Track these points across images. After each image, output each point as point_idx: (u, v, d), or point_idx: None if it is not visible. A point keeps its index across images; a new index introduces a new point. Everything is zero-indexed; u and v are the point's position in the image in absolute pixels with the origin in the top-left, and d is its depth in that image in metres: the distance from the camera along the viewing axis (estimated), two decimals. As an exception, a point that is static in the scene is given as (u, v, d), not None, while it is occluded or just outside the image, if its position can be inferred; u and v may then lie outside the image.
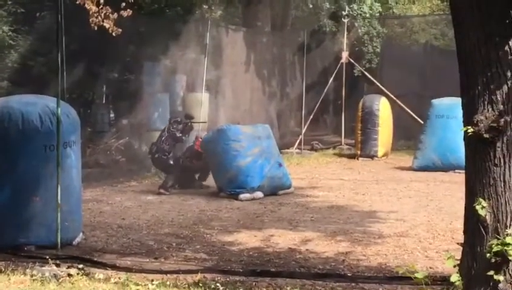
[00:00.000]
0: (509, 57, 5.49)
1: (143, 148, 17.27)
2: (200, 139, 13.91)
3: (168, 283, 6.91)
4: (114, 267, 7.54)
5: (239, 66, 21.72)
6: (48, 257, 7.57)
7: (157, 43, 17.94)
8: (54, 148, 8.19)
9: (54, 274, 7.07)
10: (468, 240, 5.73)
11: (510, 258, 5.40)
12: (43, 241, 8.26)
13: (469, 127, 5.60)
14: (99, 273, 7.23)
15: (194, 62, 19.17)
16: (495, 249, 5.41)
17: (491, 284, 5.43)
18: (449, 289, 5.78)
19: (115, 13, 10.11)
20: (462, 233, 5.88)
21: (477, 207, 5.54)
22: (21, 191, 8.28)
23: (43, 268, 7.25)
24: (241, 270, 7.44)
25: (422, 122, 18.07)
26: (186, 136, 14.03)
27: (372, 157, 19.04)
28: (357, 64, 23.03)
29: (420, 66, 24.10)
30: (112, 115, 18.62)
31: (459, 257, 5.82)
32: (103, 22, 9.89)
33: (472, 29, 5.61)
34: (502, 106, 5.49)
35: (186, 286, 6.82)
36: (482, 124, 5.53)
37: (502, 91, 5.50)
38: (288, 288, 6.75)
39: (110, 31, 10.10)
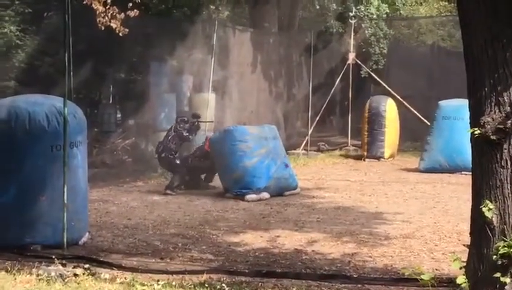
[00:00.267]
0: (517, 59, 5.48)
1: (149, 148, 17.27)
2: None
3: (173, 283, 6.91)
4: (120, 267, 7.54)
5: (246, 66, 21.71)
6: (54, 257, 7.57)
7: (164, 44, 17.95)
8: (61, 148, 8.20)
9: (60, 274, 7.08)
10: (475, 242, 5.72)
11: (517, 260, 5.39)
12: (49, 241, 8.27)
13: (476, 129, 5.59)
14: (105, 273, 7.23)
15: (201, 63, 19.18)
16: (501, 251, 5.40)
17: (498, 286, 5.42)
18: (455, 291, 5.78)
19: (122, 13, 10.13)
20: (469, 235, 5.86)
21: (484, 209, 5.53)
22: (27, 190, 8.29)
23: (49, 268, 7.25)
24: (247, 271, 7.44)
25: (428, 124, 18.04)
26: (193, 135, 14.02)
27: (378, 158, 19.03)
28: (363, 66, 22.99)
29: (427, 67, 24.08)
30: (118, 115, 18.61)
31: (465, 259, 5.81)
32: (110, 22, 9.91)
33: (479, 30, 5.60)
34: (509, 108, 5.48)
35: (192, 286, 6.82)
36: (488, 126, 5.51)
37: (509, 93, 5.49)
38: (294, 289, 6.75)
39: (117, 31, 10.12)
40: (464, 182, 12.29)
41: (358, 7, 23.53)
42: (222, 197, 12.62)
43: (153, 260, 7.98)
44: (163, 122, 17.43)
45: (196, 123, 14.09)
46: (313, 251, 8.51)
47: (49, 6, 15.48)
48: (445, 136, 16.31)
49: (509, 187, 5.49)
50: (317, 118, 21.72)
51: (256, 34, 22.34)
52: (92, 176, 11.53)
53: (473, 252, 5.72)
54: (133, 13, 10.57)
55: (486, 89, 5.56)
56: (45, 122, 8.30)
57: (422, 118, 20.16)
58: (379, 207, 11.72)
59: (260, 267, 7.70)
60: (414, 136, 21.38)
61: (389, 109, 19.31)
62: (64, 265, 7.36)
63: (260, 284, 7.01)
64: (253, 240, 9.11)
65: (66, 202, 8.07)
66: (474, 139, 5.67)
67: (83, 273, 7.17)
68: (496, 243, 5.48)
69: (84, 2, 9.93)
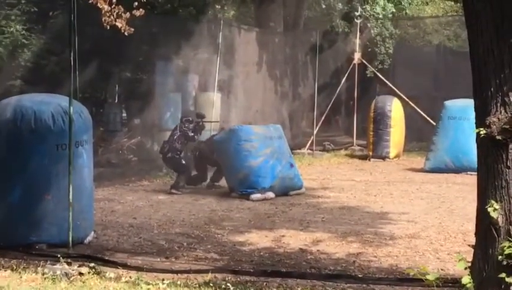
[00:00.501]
0: (523, 59, 5.47)
1: (155, 147, 17.31)
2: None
3: (178, 282, 6.92)
4: (125, 266, 7.55)
5: (251, 66, 21.75)
6: (59, 256, 7.58)
7: (169, 43, 17.96)
8: (66, 147, 8.21)
9: (65, 273, 7.10)
10: (480, 242, 5.71)
11: (522, 260, 5.38)
12: (55, 239, 8.29)
13: (481, 129, 5.58)
14: (110, 272, 7.25)
15: (207, 62, 19.21)
16: (507, 251, 5.39)
17: (503, 286, 5.41)
18: (460, 291, 5.77)
19: (128, 12, 10.14)
20: (474, 235, 5.85)
21: (489, 209, 5.52)
22: (33, 189, 8.31)
23: (55, 267, 7.27)
24: (251, 271, 7.45)
25: (434, 124, 18.02)
26: (198, 135, 14.03)
27: (384, 158, 19.02)
28: (369, 65, 22.99)
29: (433, 67, 24.10)
30: (124, 115, 18.63)
31: (470, 259, 5.80)
32: (115, 21, 9.91)
33: (485, 30, 5.59)
34: (515, 108, 5.47)
35: (197, 285, 6.83)
36: (494, 126, 5.51)
37: (515, 93, 5.48)
38: (298, 289, 6.76)
39: (123, 31, 10.13)
40: (469, 182, 12.29)
41: (364, 7, 23.51)
42: (227, 197, 12.63)
43: (158, 259, 7.99)
44: (168, 121, 17.47)
45: (201, 123, 14.10)
46: (318, 250, 8.51)
47: (55, 5, 15.48)
48: (450, 136, 16.30)
49: (514, 187, 5.49)
50: (323, 118, 21.73)
51: (261, 33, 22.36)
52: (98, 175, 11.56)
53: (478, 252, 5.71)
54: (139, 12, 10.58)
55: (492, 89, 5.55)
56: (51, 121, 8.32)
57: (428, 118, 20.16)
58: (384, 207, 11.71)
59: (265, 266, 7.70)
60: (420, 136, 21.38)
61: (395, 109, 19.30)
62: (69, 264, 7.37)
63: (265, 283, 7.01)
64: (258, 239, 9.12)
65: (71, 201, 8.07)
66: (479, 140, 5.66)
67: (88, 272, 7.19)
68: (501, 244, 5.47)
69: (90, 1, 9.94)
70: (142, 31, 13.68)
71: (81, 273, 7.13)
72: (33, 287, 6.76)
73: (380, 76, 22.40)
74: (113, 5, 9.84)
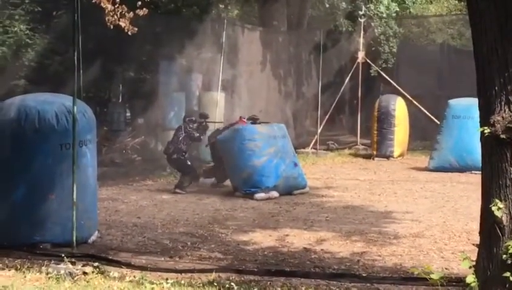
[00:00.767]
0: (527, 58, 5.47)
1: (159, 147, 17.33)
2: (244, 119, 14.04)
3: (182, 281, 6.92)
4: (129, 265, 7.56)
5: (255, 65, 21.74)
6: (63, 255, 7.58)
7: (173, 42, 17.96)
8: (70, 146, 8.21)
9: (69, 272, 7.10)
10: (484, 241, 5.71)
11: (526, 260, 5.38)
12: (59, 239, 8.29)
13: (486, 128, 5.57)
14: (114, 272, 7.25)
15: (210, 61, 19.21)
16: (511, 250, 5.39)
17: (507, 285, 5.40)
18: (465, 290, 5.77)
19: (131, 12, 10.15)
20: (478, 234, 5.84)
21: (494, 208, 5.51)
22: (37, 189, 8.33)
23: (59, 266, 7.27)
24: (255, 270, 7.45)
25: (438, 123, 18.01)
26: (203, 135, 14.03)
27: (388, 157, 19.01)
28: (373, 64, 22.97)
29: (437, 66, 24.05)
30: (127, 114, 18.64)
31: (474, 258, 5.80)
32: (119, 20, 9.93)
33: (489, 29, 5.58)
34: (519, 107, 5.47)
35: (201, 285, 6.83)
36: (498, 125, 5.50)
37: (519, 91, 5.48)
38: (302, 288, 6.75)
39: (126, 30, 10.14)
40: (473, 181, 12.29)
41: (367, 6, 23.49)
42: (231, 196, 12.63)
43: (162, 259, 8.00)
44: (172, 121, 17.47)
45: (204, 123, 14.09)
46: (322, 249, 8.51)
47: (59, 5, 15.49)
48: (455, 135, 16.29)
49: (519, 186, 5.48)
50: (327, 117, 21.72)
51: (265, 32, 22.35)
52: (102, 175, 11.56)
53: (483, 251, 5.70)
54: (142, 12, 10.60)
55: (496, 88, 5.55)
56: (54, 120, 8.33)
57: (432, 117, 20.15)
58: (388, 206, 11.71)
59: (269, 266, 7.70)
60: (424, 135, 21.36)
61: (399, 108, 19.30)
62: (73, 263, 7.37)
63: (269, 283, 7.01)
64: (262, 239, 9.12)
65: (75, 200, 8.07)
66: (484, 138, 5.66)
67: (92, 272, 7.20)
68: (506, 243, 5.47)
69: (94, 1, 9.96)
70: (145, 31, 13.71)
71: (85, 273, 7.14)
72: (37, 287, 6.77)
73: (384, 75, 22.38)
74: (117, 5, 9.86)
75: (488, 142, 5.63)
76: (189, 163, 13.56)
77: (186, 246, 8.69)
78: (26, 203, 8.29)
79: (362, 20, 22.39)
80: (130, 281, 6.97)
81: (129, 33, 10.65)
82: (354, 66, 21.77)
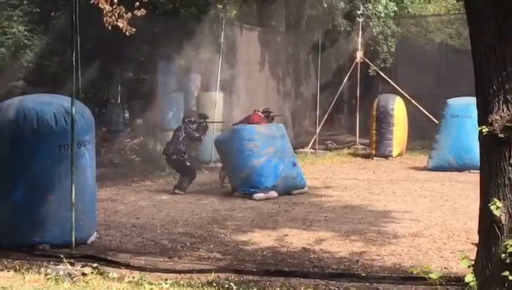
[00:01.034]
0: (525, 56, 5.47)
1: (157, 147, 17.32)
2: (258, 113, 14.12)
3: (181, 282, 6.93)
4: (128, 266, 7.56)
5: (253, 65, 21.74)
6: (62, 256, 7.57)
7: (171, 43, 17.96)
8: (69, 147, 8.19)
9: (68, 273, 7.11)
10: (483, 241, 5.71)
11: (525, 258, 5.38)
12: (58, 240, 8.28)
13: (484, 127, 5.58)
14: (113, 273, 7.26)
15: (209, 61, 19.20)
16: (510, 249, 5.39)
17: (506, 284, 5.41)
18: (464, 290, 5.77)
19: (129, 13, 10.14)
20: (477, 233, 5.85)
21: (492, 207, 5.52)
22: (35, 190, 8.32)
23: (58, 267, 7.27)
24: (254, 270, 7.45)
25: (437, 122, 18.01)
26: (203, 135, 14.02)
27: (386, 157, 19.02)
28: (371, 64, 22.98)
29: (435, 65, 24.06)
30: (126, 115, 18.65)
31: (473, 258, 5.80)
32: (117, 21, 9.91)
33: (487, 28, 5.59)
34: (517, 106, 5.47)
35: (200, 285, 6.83)
36: (496, 124, 5.50)
37: (517, 91, 5.48)
38: (301, 288, 6.75)
39: (124, 31, 10.13)
40: (472, 180, 12.26)
41: (366, 5, 23.52)
42: (230, 196, 12.63)
43: (161, 259, 8.00)
44: (171, 121, 17.47)
45: (204, 123, 14.08)
46: (321, 249, 8.51)
47: (57, 6, 15.49)
48: (453, 135, 16.29)
49: (517, 185, 5.49)
50: (325, 117, 21.74)
51: (263, 32, 22.35)
52: (100, 176, 11.57)
53: (482, 250, 5.71)
54: (140, 12, 10.57)
55: (494, 87, 5.55)
56: (53, 121, 8.33)
57: (430, 116, 20.16)
58: (387, 206, 11.71)
59: (268, 266, 7.70)
60: (422, 134, 21.37)
61: (397, 108, 19.31)
62: (72, 264, 7.38)
63: (268, 283, 7.01)
64: (261, 239, 9.12)
65: (74, 201, 8.06)
66: (482, 138, 5.66)
67: (91, 273, 7.20)
68: (505, 242, 5.47)
69: (91, 1, 9.94)
70: (144, 31, 13.68)
71: (84, 274, 7.14)
72: (36, 288, 6.77)
73: (383, 74, 22.40)
74: (115, 5, 9.84)
75: (487, 141, 5.64)
76: (188, 164, 13.55)
77: (185, 246, 8.69)
78: (25, 204, 8.29)
79: (360, 20, 22.41)
80: (129, 281, 6.97)
81: (127, 34, 10.64)
82: (353, 66, 21.78)
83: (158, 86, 18.33)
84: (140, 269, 7.45)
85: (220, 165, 14.80)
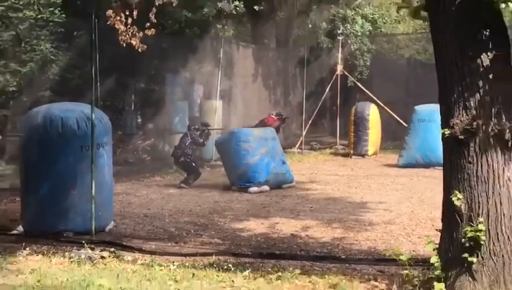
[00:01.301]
0: (481, 70, 5.48)
1: (166, 148, 17.30)
2: (272, 116, 14.16)
3: (187, 264, 6.92)
4: (140, 250, 7.55)
5: (248, 77, 21.74)
6: (83, 242, 7.59)
7: (177, 58, 17.96)
8: (89, 148, 8.22)
9: (89, 257, 7.10)
10: (446, 227, 5.72)
11: (482, 242, 5.39)
12: (80, 228, 8.29)
13: (446, 130, 5.59)
14: (128, 256, 7.25)
15: (210, 74, 19.19)
16: (469, 234, 5.40)
17: (465, 265, 5.42)
18: (429, 269, 5.77)
19: (141, 32, 10.14)
20: (441, 221, 5.86)
21: (454, 199, 5.53)
22: (60, 185, 8.32)
23: (80, 251, 7.27)
24: (249, 253, 7.45)
25: (406, 126, 18.01)
26: (206, 141, 14.01)
27: (363, 155, 19.01)
28: (350, 76, 22.96)
29: (405, 77, 24.09)
30: (139, 120, 18.64)
31: (438, 242, 5.81)
32: (131, 39, 9.94)
33: (449, 45, 5.60)
34: (474, 111, 5.48)
35: (203, 266, 6.83)
36: (457, 127, 5.52)
37: (475, 98, 5.49)
38: (290, 268, 6.74)
39: (137, 48, 10.13)
40: (437, 176, 12.22)
41: (345, 25, 23.54)
42: (228, 190, 12.61)
43: (169, 244, 7.99)
44: (177, 125, 17.50)
45: (206, 131, 14.06)
46: (306, 235, 8.50)
47: (79, 27, 15.46)
48: (420, 136, 16.28)
49: (475, 180, 5.49)
50: (310, 121, 21.72)
51: (257, 49, 22.34)
52: (116, 172, 11.51)
53: (445, 236, 5.72)
54: (150, 32, 10.59)
55: (455, 95, 5.57)
56: (76, 126, 8.33)
57: (401, 121, 20.15)
58: (364, 197, 11.70)
59: (261, 249, 7.70)
60: (394, 136, 21.32)
61: (372, 113, 19.29)
62: (92, 249, 7.38)
63: (261, 264, 7.01)
64: (255, 226, 9.11)
65: (94, 194, 8.09)
66: (445, 139, 5.68)
67: (109, 256, 7.20)
68: (464, 228, 5.48)
69: (108, 23, 9.95)
70: (153, 48, 13.69)
71: (102, 257, 7.14)
72: (61, 269, 6.75)
73: (360, 85, 22.38)
74: (129, 26, 9.86)
75: (449, 142, 5.65)
76: (193, 164, 13.53)
77: (190, 233, 8.68)
78: (52, 197, 8.29)
79: (340, 38, 22.44)
80: (142, 264, 6.97)
81: (139, 50, 10.65)
82: (334, 78, 21.76)
83: (166, 95, 18.32)
84: (151, 253, 7.45)
85: (219, 163, 14.75)
